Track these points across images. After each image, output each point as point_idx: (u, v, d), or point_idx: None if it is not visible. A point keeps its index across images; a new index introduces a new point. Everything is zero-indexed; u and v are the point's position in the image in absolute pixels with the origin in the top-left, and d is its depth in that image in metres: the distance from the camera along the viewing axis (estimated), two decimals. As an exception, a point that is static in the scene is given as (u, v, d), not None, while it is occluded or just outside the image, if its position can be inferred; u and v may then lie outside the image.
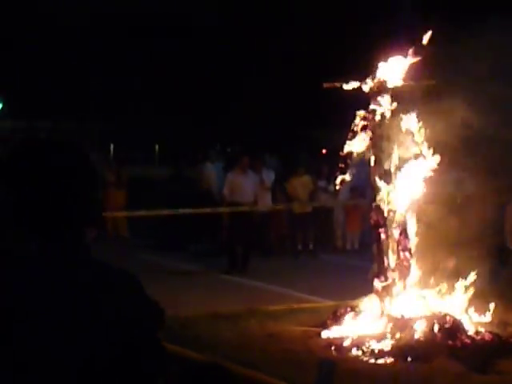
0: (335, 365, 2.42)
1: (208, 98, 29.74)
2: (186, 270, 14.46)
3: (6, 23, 29.73)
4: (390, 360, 8.26)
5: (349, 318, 9.34)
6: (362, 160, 9.86)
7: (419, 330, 8.83)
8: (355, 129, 9.52)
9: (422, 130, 9.62)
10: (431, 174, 9.87)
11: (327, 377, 2.34)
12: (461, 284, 9.71)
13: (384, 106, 9.55)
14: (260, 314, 10.05)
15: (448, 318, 9.14)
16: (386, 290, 9.34)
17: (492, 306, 9.66)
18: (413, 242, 9.62)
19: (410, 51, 9.40)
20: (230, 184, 14.37)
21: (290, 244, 16.96)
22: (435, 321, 9.02)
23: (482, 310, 9.64)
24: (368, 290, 9.53)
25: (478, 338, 9.03)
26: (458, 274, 9.78)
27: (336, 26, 24.34)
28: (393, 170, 9.64)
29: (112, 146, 31.22)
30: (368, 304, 9.46)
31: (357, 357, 8.40)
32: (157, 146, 37.31)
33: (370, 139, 9.53)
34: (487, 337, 9.10)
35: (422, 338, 8.72)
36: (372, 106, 9.53)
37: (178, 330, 9.13)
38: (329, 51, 23.61)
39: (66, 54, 30.28)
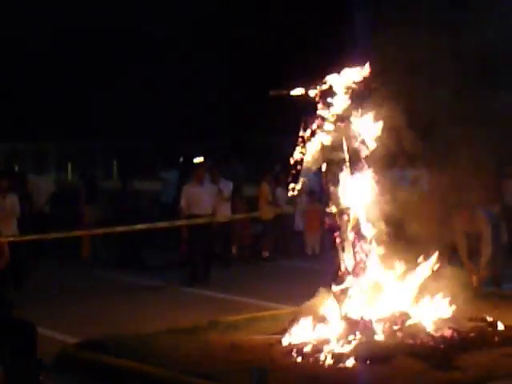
0: (267, 372, 2.41)
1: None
2: (146, 285, 14.40)
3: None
4: (350, 363, 8.28)
5: (309, 322, 9.36)
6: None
7: (378, 331, 8.89)
8: (304, 135, 9.58)
9: (373, 131, 9.70)
10: (384, 173, 9.99)
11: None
12: (418, 282, 9.79)
13: (332, 110, 9.63)
14: (221, 326, 10.03)
15: (407, 316, 9.22)
16: (344, 292, 9.39)
17: (450, 301, 9.76)
18: (369, 243, 9.70)
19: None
20: (187, 196, 14.32)
21: (252, 252, 17.05)
22: (394, 320, 9.09)
23: (441, 307, 9.74)
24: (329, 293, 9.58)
25: (438, 335, 9.11)
26: (415, 272, 9.87)
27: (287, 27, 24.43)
28: (344, 173, 9.70)
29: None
30: (327, 308, 9.50)
31: (317, 361, 8.42)
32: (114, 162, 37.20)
33: (320, 144, 9.59)
34: (447, 333, 9.18)
35: (381, 339, 8.77)
36: (319, 112, 9.60)
37: (139, 346, 9.10)
38: (277, 57, 23.71)
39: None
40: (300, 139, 9.57)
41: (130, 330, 10.10)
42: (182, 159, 19.72)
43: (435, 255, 9.99)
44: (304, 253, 17.39)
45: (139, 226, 13.38)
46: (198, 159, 17.48)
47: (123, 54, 30.48)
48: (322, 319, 9.34)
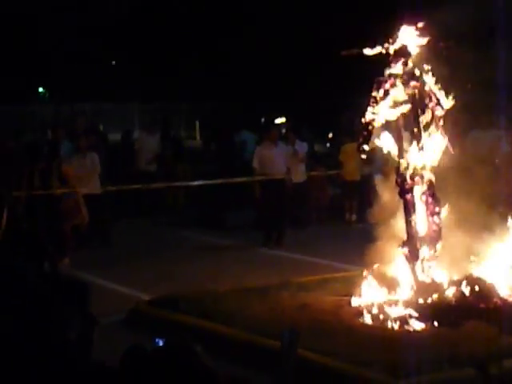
0: (298, 334, 2.42)
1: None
2: (223, 245, 14.51)
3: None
4: (419, 325, 8.21)
5: (379, 284, 9.29)
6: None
7: (449, 294, 8.77)
8: (377, 95, 9.42)
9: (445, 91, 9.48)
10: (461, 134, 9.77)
11: (291, 347, 2.34)
12: (494, 246, 9.60)
13: (405, 69, 9.44)
14: (292, 286, 10.05)
15: (479, 280, 9.06)
16: (416, 255, 9.27)
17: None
18: (443, 205, 9.53)
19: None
20: (260, 157, 14.31)
21: (330, 214, 16.86)
22: (466, 284, 8.94)
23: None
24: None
25: (511, 299, 8.93)
26: (491, 236, 9.66)
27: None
28: (420, 132, 9.52)
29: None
30: (398, 270, 9.40)
31: (385, 323, 8.36)
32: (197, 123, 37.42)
33: (394, 104, 9.42)
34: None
35: (451, 302, 8.65)
36: (393, 70, 9.41)
37: (210, 305, 9.21)
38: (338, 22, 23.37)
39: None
40: (372, 99, 9.42)
41: (203, 289, 10.22)
42: (263, 120, 19.68)
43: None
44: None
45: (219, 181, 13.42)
46: (280, 120, 17.38)
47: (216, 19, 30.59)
48: (392, 281, 9.26)
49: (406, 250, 9.28)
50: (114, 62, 39.83)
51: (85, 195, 13.36)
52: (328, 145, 20.54)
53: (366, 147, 9.18)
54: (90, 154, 13.98)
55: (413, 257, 9.19)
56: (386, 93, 9.44)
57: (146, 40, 33.31)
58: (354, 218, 16.52)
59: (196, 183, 15.34)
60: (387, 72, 9.24)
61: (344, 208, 16.71)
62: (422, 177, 9.43)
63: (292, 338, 2.43)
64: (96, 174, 13.92)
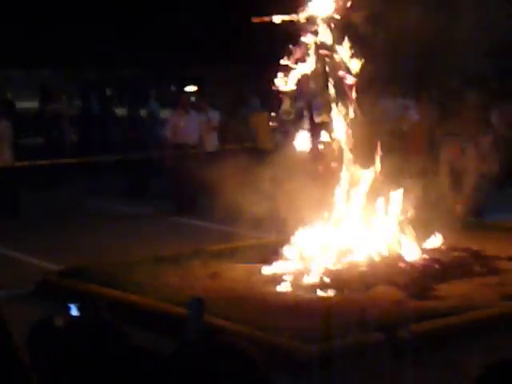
0: (203, 302, 2.40)
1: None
2: (134, 214, 14.38)
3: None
4: (328, 292, 8.32)
5: (290, 252, 9.37)
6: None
7: (358, 261, 8.91)
8: (288, 63, 9.44)
9: (357, 60, 9.56)
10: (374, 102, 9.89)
11: (196, 314, 2.33)
12: (403, 211, 9.77)
13: (316, 38, 9.48)
14: (204, 254, 10.02)
15: (388, 246, 9.24)
16: (327, 222, 9.39)
17: (433, 231, 9.77)
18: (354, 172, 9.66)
19: None
20: (172, 125, 14.19)
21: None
22: (375, 250, 9.10)
23: (424, 237, 9.74)
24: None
25: (419, 264, 9.13)
26: (399, 201, 9.83)
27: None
28: (331, 100, 9.59)
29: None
30: (311, 238, 9.49)
31: (296, 291, 8.45)
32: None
33: (304, 73, 9.47)
34: (428, 263, 9.21)
35: (360, 269, 8.79)
36: (303, 39, 9.45)
37: (120, 275, 9.13)
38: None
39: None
40: (283, 67, 9.44)
41: (114, 259, 10.11)
42: (173, 88, 19.48)
43: (420, 186, 9.96)
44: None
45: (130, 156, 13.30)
46: (190, 88, 17.22)
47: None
48: (304, 250, 9.35)
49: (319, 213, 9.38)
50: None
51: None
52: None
53: (275, 114, 9.20)
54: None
55: (324, 223, 9.32)
56: (297, 61, 9.49)
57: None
58: (267, 186, 16.55)
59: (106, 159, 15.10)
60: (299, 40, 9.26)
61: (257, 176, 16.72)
62: (334, 144, 9.54)
63: (198, 305, 2.42)
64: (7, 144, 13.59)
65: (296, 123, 10.00)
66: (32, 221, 13.57)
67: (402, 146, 12.61)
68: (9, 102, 20.55)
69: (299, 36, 9.41)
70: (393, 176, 9.81)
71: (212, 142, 15.42)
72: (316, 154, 9.34)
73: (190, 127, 14.22)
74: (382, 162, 9.69)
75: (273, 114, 9.23)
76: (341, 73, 9.54)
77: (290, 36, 9.50)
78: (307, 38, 9.42)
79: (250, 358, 1.99)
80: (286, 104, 9.64)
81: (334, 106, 9.55)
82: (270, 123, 9.42)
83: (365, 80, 9.63)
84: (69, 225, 13.24)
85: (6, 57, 29.89)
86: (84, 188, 16.71)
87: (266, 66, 9.54)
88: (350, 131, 9.59)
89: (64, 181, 16.68)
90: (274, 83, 9.26)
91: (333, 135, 9.58)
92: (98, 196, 15.92)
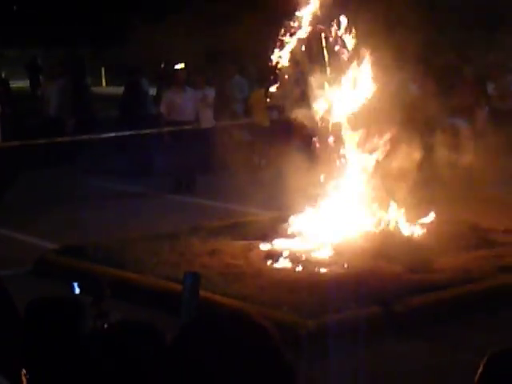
0: (200, 277, 2.41)
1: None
2: (132, 192, 14.37)
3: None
4: (326, 267, 8.34)
5: (290, 229, 9.39)
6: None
7: (357, 235, 8.93)
8: (284, 38, 9.39)
9: (354, 35, 9.52)
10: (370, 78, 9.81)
11: (192, 288, 2.34)
12: (398, 188, 9.77)
13: (312, 12, 9.43)
14: (202, 231, 10.02)
15: (385, 221, 9.25)
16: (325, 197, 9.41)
17: (429, 205, 9.79)
18: (351, 149, 9.65)
19: None
20: (168, 102, 14.13)
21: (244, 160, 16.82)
22: (372, 225, 9.12)
23: (421, 210, 9.75)
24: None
25: (416, 238, 9.16)
26: (396, 179, 9.83)
27: None
28: (328, 77, 9.56)
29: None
30: (309, 214, 9.51)
31: (294, 266, 8.46)
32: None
33: (301, 48, 9.42)
34: (424, 236, 9.23)
35: (359, 243, 8.80)
36: (298, 13, 9.39)
37: (118, 252, 9.14)
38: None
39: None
40: (279, 42, 9.39)
41: (112, 237, 10.11)
42: (162, 65, 19.35)
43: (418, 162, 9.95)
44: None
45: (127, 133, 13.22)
46: (179, 65, 17.10)
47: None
48: (302, 226, 9.36)
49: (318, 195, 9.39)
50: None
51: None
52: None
53: (272, 90, 9.18)
54: None
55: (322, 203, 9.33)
56: (292, 35, 9.44)
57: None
58: (263, 162, 16.55)
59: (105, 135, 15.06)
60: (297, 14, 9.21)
61: (253, 153, 16.73)
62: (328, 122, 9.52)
63: (194, 280, 2.42)
64: None
65: (292, 100, 9.98)
66: (31, 200, 13.54)
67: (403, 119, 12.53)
68: (2, 80, 20.48)
69: (295, 10, 9.36)
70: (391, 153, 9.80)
71: (208, 119, 15.36)
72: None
73: (186, 104, 14.16)
74: (382, 138, 9.67)
75: (269, 90, 9.18)
76: (337, 47, 9.49)
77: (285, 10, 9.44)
78: (302, 13, 9.36)
79: (263, 329, 1.92)
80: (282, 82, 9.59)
81: (328, 80, 9.51)
82: (267, 100, 9.37)
83: (361, 56, 9.60)
84: (68, 203, 13.21)
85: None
86: (84, 167, 16.65)
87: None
88: (348, 107, 9.57)
89: (64, 159, 16.60)
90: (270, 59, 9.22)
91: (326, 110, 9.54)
92: (98, 174, 15.85)
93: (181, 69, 14.85)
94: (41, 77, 27.35)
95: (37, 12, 33.96)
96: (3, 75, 24.98)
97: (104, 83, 36.58)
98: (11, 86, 20.55)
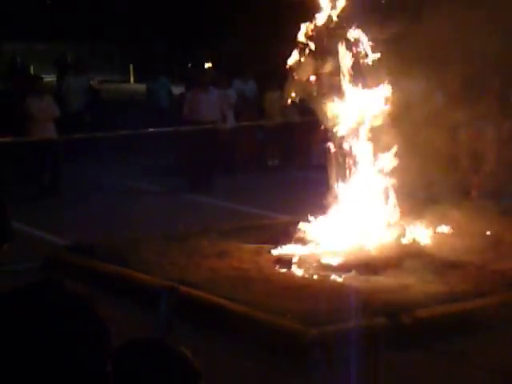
0: (177, 290, 2.28)
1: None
2: (145, 190, 14.31)
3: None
4: (336, 274, 8.21)
5: (300, 233, 9.27)
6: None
7: (367, 244, 8.79)
8: (303, 41, 9.29)
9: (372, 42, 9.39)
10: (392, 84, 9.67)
11: (167, 305, 2.23)
12: (415, 196, 9.64)
13: (333, 17, 9.32)
14: (213, 233, 9.92)
15: (399, 231, 9.10)
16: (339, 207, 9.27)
17: (446, 215, 9.62)
18: (366, 156, 9.51)
19: None
20: (191, 103, 14.04)
21: (259, 160, 16.78)
22: (383, 233, 8.97)
23: (436, 221, 9.60)
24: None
25: (431, 249, 9.00)
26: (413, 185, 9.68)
27: None
28: (344, 82, 9.43)
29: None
30: (322, 220, 9.39)
31: (303, 272, 8.35)
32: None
33: (316, 52, 9.30)
34: (439, 248, 9.07)
35: (369, 252, 8.66)
36: (319, 17, 9.28)
37: (128, 252, 9.07)
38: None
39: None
40: (298, 46, 9.28)
41: (122, 235, 10.04)
42: (190, 65, 19.33)
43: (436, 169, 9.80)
44: (309, 163, 17.10)
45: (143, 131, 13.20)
46: (208, 65, 17.10)
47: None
48: (313, 232, 9.24)
49: (329, 201, 9.27)
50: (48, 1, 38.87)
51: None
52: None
53: (290, 94, 9.08)
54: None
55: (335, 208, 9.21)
56: (312, 39, 9.33)
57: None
58: (276, 163, 16.55)
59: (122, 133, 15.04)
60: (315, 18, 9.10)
61: (266, 154, 16.72)
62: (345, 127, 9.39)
63: (170, 295, 2.30)
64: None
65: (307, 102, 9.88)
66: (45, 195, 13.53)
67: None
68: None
69: (314, 12, 9.25)
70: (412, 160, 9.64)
71: (229, 120, 15.29)
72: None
73: (209, 104, 14.05)
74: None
75: (285, 92, 9.08)
76: (356, 53, 9.37)
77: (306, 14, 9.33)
78: (323, 17, 9.25)
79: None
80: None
81: (347, 86, 9.38)
82: (283, 102, 9.27)
83: (383, 61, 9.46)
84: (81, 200, 13.19)
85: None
86: (97, 163, 16.63)
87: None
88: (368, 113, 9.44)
89: (78, 156, 16.60)
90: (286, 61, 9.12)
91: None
92: (111, 172, 15.81)
93: (207, 69, 14.79)
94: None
95: (73, 7, 34.03)
96: (32, 70, 25.09)
97: (132, 80, 36.69)
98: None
